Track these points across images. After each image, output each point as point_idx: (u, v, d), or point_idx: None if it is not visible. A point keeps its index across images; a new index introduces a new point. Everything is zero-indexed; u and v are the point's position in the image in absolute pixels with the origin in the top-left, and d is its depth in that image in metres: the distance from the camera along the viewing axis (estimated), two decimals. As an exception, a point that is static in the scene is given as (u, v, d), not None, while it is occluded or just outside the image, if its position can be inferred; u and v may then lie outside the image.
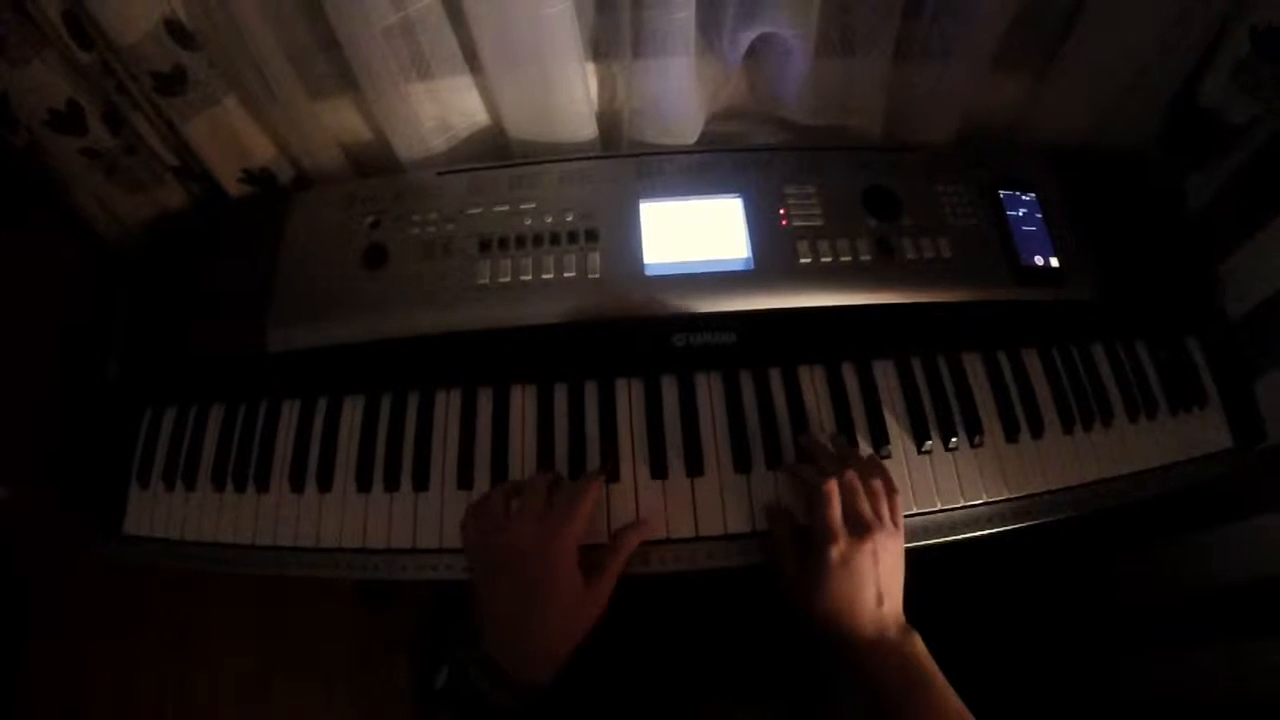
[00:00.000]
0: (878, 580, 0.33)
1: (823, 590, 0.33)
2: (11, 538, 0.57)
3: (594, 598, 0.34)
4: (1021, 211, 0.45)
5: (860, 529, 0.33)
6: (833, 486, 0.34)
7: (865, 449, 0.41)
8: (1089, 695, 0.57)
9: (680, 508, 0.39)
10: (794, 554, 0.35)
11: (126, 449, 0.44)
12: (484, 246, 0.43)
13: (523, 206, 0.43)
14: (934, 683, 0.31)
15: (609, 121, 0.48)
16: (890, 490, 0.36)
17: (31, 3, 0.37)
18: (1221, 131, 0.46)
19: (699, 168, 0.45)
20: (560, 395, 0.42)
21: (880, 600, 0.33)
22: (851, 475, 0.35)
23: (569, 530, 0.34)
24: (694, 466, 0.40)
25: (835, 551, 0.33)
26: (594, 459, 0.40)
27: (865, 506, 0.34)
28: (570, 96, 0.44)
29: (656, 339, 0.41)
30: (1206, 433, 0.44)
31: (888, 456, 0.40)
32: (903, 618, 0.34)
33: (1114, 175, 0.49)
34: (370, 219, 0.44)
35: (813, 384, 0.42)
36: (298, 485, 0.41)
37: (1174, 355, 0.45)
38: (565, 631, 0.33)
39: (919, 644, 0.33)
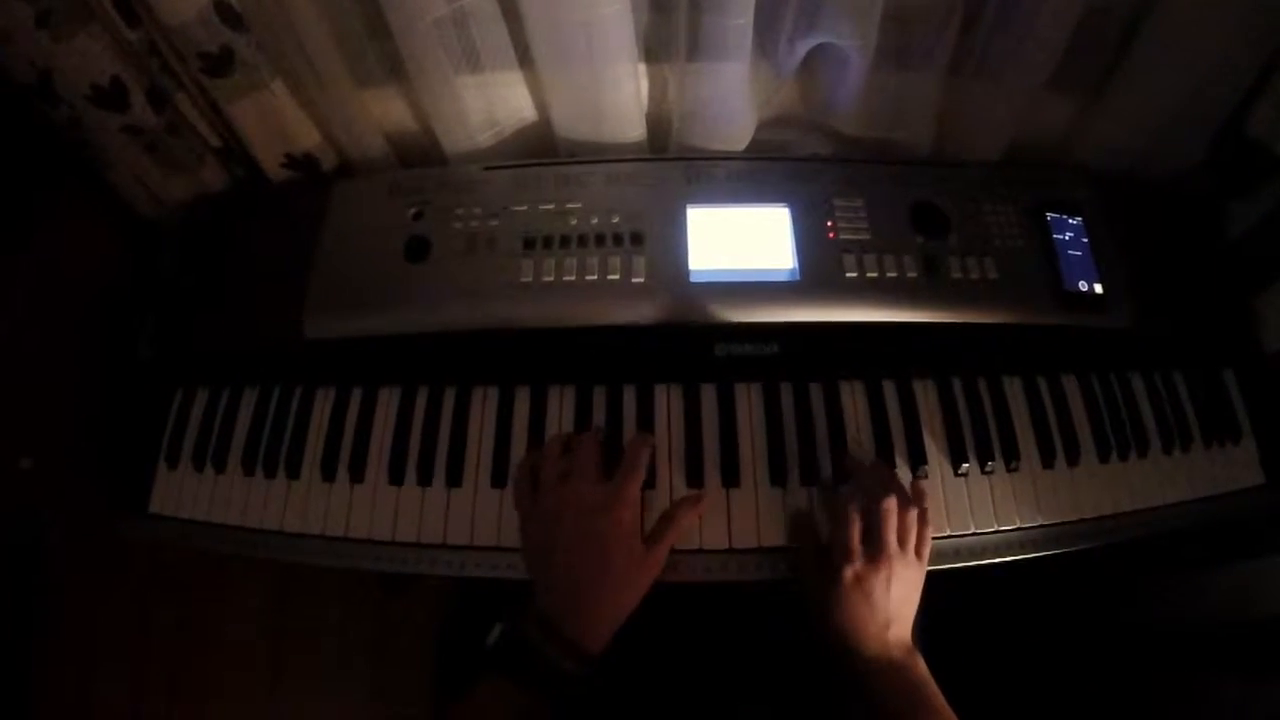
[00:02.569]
0: (888, 606, 0.33)
1: (835, 608, 0.33)
2: (35, 510, 0.57)
3: (652, 560, 0.35)
4: (1068, 235, 0.45)
5: (880, 554, 0.34)
6: (854, 509, 0.35)
7: (903, 468, 0.40)
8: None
9: (714, 518, 0.38)
10: (815, 569, 0.36)
11: (156, 428, 0.44)
12: (528, 244, 0.42)
13: (569, 206, 0.43)
14: (932, 705, 0.32)
15: (658, 124, 0.48)
16: (923, 523, 0.36)
17: None
18: (1267, 162, 0.45)
19: (747, 175, 0.45)
20: (598, 399, 0.41)
21: (888, 625, 0.33)
22: (890, 501, 0.35)
23: (629, 492, 0.35)
24: (730, 477, 0.39)
25: (850, 571, 0.33)
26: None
27: (892, 535, 0.34)
28: (620, 96, 0.43)
29: (698, 347, 0.41)
30: (1239, 467, 0.43)
31: (924, 477, 0.40)
32: (909, 642, 0.34)
33: (1157, 202, 0.49)
34: (413, 210, 0.44)
35: (853, 400, 0.42)
36: (329, 474, 0.41)
37: (1211, 388, 0.45)
38: (626, 594, 0.34)
39: (921, 667, 0.33)
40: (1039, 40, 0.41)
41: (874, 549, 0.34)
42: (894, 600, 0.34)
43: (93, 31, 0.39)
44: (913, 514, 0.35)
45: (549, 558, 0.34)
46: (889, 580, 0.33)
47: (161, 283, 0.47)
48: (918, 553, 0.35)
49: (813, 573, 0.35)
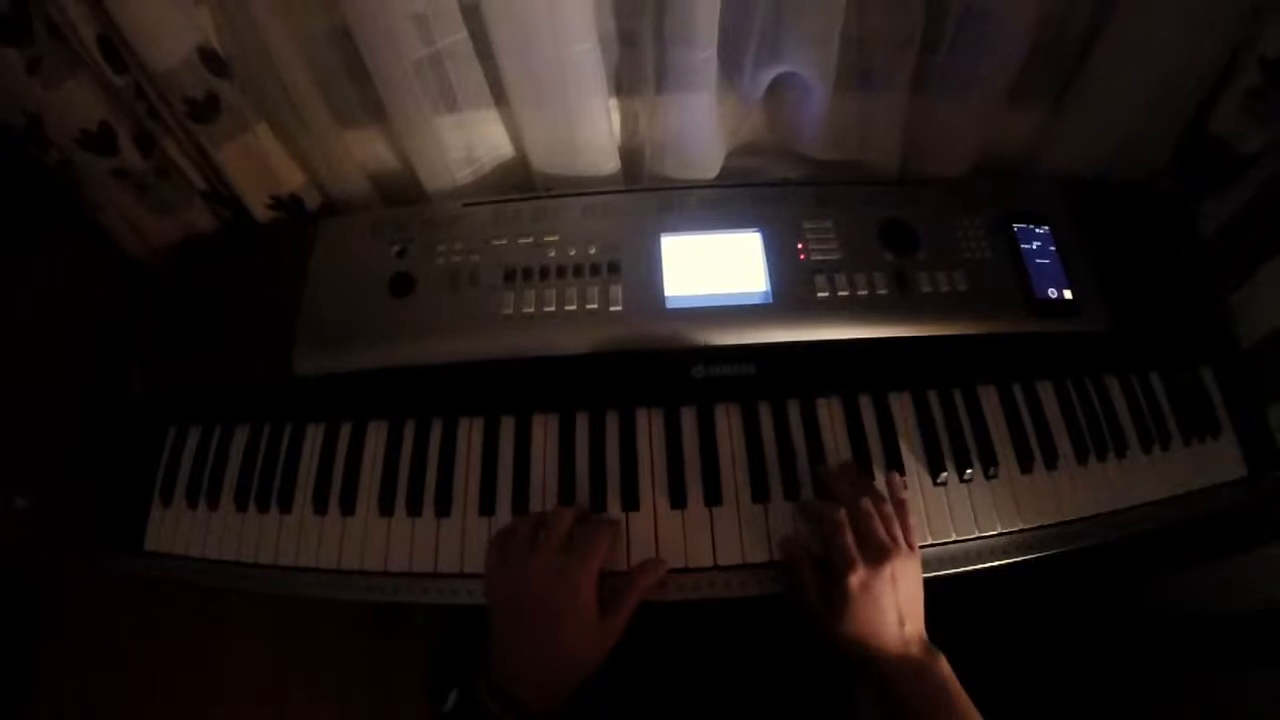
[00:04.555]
0: (898, 603, 0.34)
1: (846, 618, 0.33)
2: (30, 549, 0.58)
3: (607, 631, 0.35)
4: (1035, 244, 0.46)
5: (877, 554, 0.34)
6: (843, 515, 0.35)
7: (881, 480, 0.41)
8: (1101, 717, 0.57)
9: (699, 537, 0.39)
10: (816, 586, 0.36)
11: (150, 466, 0.45)
12: (508, 277, 0.43)
13: (546, 239, 0.44)
14: (958, 703, 0.32)
15: (631, 156, 0.49)
16: (903, 513, 0.37)
17: (67, 26, 0.38)
18: (1233, 160, 0.46)
19: (719, 202, 0.46)
20: (581, 425, 0.42)
21: (902, 622, 0.33)
22: (865, 501, 0.35)
23: (589, 566, 0.35)
24: (712, 496, 0.40)
25: (855, 579, 0.33)
26: (615, 488, 0.41)
27: (880, 531, 0.35)
28: (594, 131, 0.45)
29: (676, 370, 0.42)
30: (1220, 462, 0.44)
31: (896, 474, 0.40)
32: (926, 638, 0.34)
33: (1126, 206, 0.50)
34: (397, 248, 0.45)
35: (830, 416, 0.42)
36: (321, 507, 0.42)
37: (1187, 385, 0.46)
38: (578, 663, 0.34)
39: (944, 665, 0.33)
40: (998, 56, 0.42)
41: (872, 550, 0.34)
42: (903, 596, 0.34)
43: (81, 78, 0.40)
44: (888, 506, 0.36)
45: (508, 627, 0.34)
46: (894, 578, 0.33)
47: (152, 323, 0.48)
48: (908, 544, 0.36)
49: (813, 591, 0.36)
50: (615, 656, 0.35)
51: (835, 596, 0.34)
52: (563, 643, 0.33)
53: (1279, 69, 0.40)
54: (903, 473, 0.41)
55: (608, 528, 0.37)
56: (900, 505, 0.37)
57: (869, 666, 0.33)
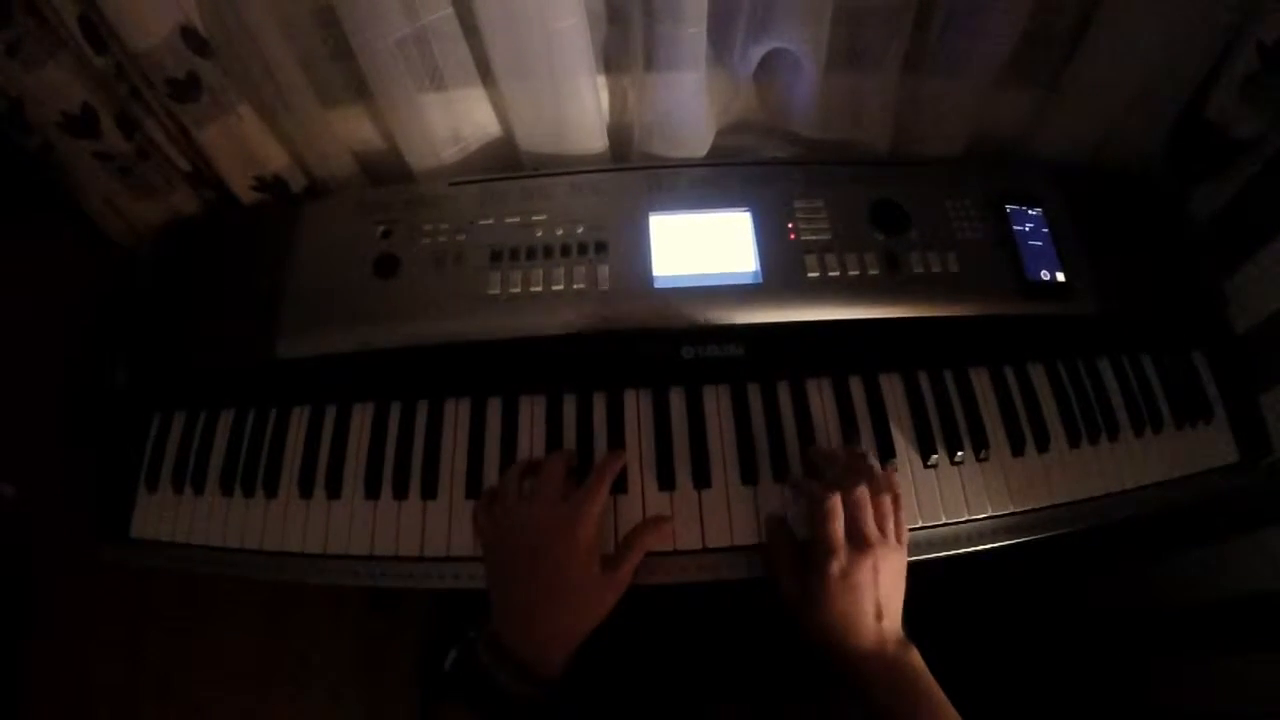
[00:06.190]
0: (877, 596, 0.33)
1: (822, 605, 0.33)
2: (16, 537, 0.57)
3: (612, 584, 0.34)
4: (1028, 226, 0.45)
5: (862, 544, 0.33)
6: (836, 502, 0.34)
7: (872, 462, 0.40)
8: (1088, 707, 0.57)
9: (687, 520, 0.39)
10: (792, 566, 0.35)
11: (135, 453, 0.44)
12: (495, 257, 0.43)
13: (533, 218, 0.44)
14: (931, 697, 0.32)
15: (619, 134, 0.48)
16: (897, 506, 0.36)
17: (47, 6, 0.37)
18: (1228, 145, 0.46)
19: (708, 181, 0.45)
20: (569, 406, 0.42)
21: (879, 615, 0.33)
22: (861, 490, 0.35)
23: (589, 511, 0.34)
24: (701, 479, 0.40)
25: (836, 566, 0.33)
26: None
27: (870, 522, 0.34)
28: (581, 109, 0.44)
29: (665, 351, 0.41)
30: (1212, 447, 0.44)
31: (894, 470, 0.41)
32: (901, 632, 0.34)
33: (1120, 189, 0.49)
34: (382, 228, 0.45)
35: (820, 397, 0.42)
36: (306, 491, 0.41)
37: (1180, 369, 0.46)
38: (582, 616, 0.33)
39: (916, 659, 0.33)
40: (992, 35, 0.42)
41: (856, 541, 0.33)
42: (882, 590, 0.33)
43: (62, 60, 0.40)
44: (887, 499, 0.35)
45: (505, 580, 0.34)
46: (875, 570, 0.33)
47: (136, 308, 0.47)
48: (897, 538, 0.35)
49: (791, 573, 0.35)
50: (608, 634, 0.34)
51: (813, 582, 0.33)
52: (566, 597, 0.32)
53: (1276, 54, 0.40)
54: (894, 454, 0.41)
55: (609, 468, 0.36)
56: (895, 499, 0.36)
57: (842, 657, 0.33)
